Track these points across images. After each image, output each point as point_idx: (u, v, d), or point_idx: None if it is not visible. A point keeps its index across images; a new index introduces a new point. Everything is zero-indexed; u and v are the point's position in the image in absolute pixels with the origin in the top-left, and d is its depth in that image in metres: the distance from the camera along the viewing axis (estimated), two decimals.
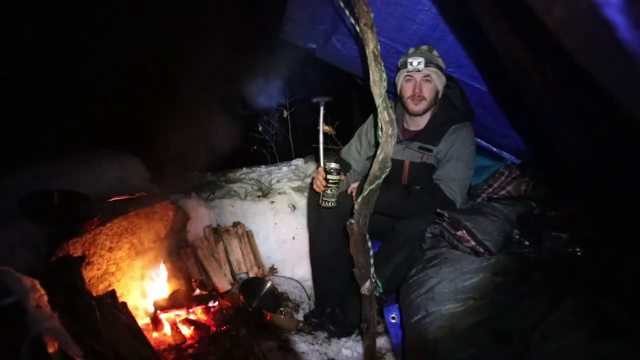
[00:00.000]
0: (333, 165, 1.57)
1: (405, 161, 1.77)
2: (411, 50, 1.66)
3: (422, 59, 1.59)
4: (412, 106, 1.69)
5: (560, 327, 0.94)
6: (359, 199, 1.21)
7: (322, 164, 1.70)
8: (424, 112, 1.71)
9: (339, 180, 1.59)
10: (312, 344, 1.74)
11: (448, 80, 1.72)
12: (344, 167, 1.86)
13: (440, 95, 1.72)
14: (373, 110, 1.26)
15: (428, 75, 1.63)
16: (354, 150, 1.95)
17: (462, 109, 1.71)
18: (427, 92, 1.66)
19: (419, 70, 1.61)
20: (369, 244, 1.29)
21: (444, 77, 1.68)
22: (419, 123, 1.77)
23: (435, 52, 1.64)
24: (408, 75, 1.67)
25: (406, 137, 1.79)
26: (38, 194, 1.71)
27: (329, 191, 1.59)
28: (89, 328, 1.18)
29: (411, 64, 1.61)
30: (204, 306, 1.87)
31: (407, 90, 1.68)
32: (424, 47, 1.63)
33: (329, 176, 1.57)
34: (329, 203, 1.60)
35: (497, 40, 1.02)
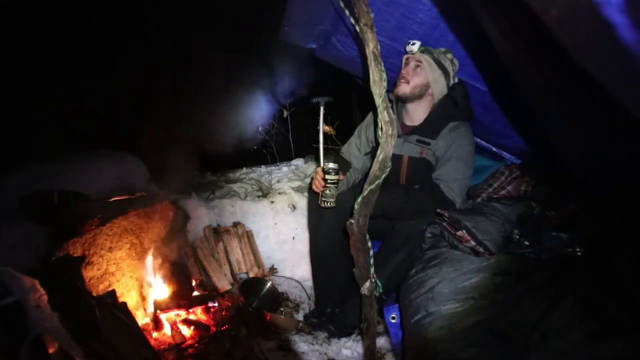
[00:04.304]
0: (331, 165, 1.57)
1: (404, 156, 1.76)
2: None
3: (418, 43, 1.62)
4: (397, 87, 1.72)
5: (560, 327, 0.94)
6: (359, 199, 1.21)
7: (322, 164, 1.70)
8: (406, 97, 1.72)
9: (337, 180, 1.59)
10: (312, 344, 1.74)
11: (457, 84, 1.74)
12: (344, 166, 1.86)
13: (431, 90, 1.72)
14: (373, 110, 1.27)
15: (420, 62, 1.66)
16: (354, 148, 1.95)
17: (462, 107, 1.71)
18: (414, 77, 1.69)
19: (413, 53, 1.64)
20: (369, 244, 1.29)
21: (441, 75, 1.68)
22: (417, 117, 1.78)
23: (449, 55, 1.66)
24: (406, 58, 1.72)
25: (405, 131, 1.80)
26: (38, 194, 1.71)
27: (327, 191, 1.59)
28: (89, 328, 1.18)
29: (409, 44, 1.64)
30: (204, 306, 1.88)
31: (402, 71, 1.73)
32: (442, 49, 1.67)
33: (327, 176, 1.57)
34: (328, 203, 1.60)
35: (497, 40, 1.02)
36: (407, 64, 1.72)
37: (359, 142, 1.94)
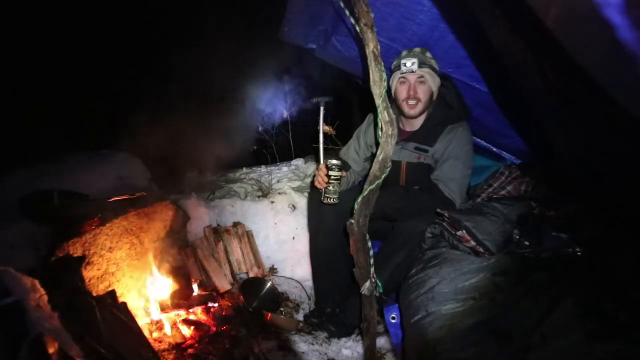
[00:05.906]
0: (335, 161, 1.57)
1: (402, 162, 1.77)
2: (404, 52, 1.67)
3: (415, 60, 1.59)
4: (408, 109, 1.69)
5: (560, 327, 0.94)
6: (359, 199, 1.21)
7: (322, 163, 1.70)
8: (420, 114, 1.71)
9: (340, 176, 1.59)
10: (312, 344, 1.74)
11: (443, 80, 1.72)
12: (344, 166, 1.86)
13: (435, 96, 1.72)
14: (373, 110, 1.27)
15: (422, 77, 1.63)
16: (353, 151, 1.95)
17: (457, 109, 1.71)
18: (422, 93, 1.66)
19: (412, 71, 1.61)
20: (369, 244, 1.29)
21: (438, 78, 1.68)
22: (414, 124, 1.77)
23: (428, 54, 1.64)
24: (402, 77, 1.67)
25: (402, 137, 1.79)
26: (38, 194, 1.71)
27: (331, 187, 1.59)
28: (89, 328, 1.18)
29: (405, 64, 1.61)
30: (204, 306, 1.87)
31: (402, 92, 1.68)
32: (417, 49, 1.64)
33: (330, 172, 1.57)
34: (331, 199, 1.60)
35: (497, 41, 1.02)
36: (404, 82, 1.67)
37: (358, 147, 1.94)
